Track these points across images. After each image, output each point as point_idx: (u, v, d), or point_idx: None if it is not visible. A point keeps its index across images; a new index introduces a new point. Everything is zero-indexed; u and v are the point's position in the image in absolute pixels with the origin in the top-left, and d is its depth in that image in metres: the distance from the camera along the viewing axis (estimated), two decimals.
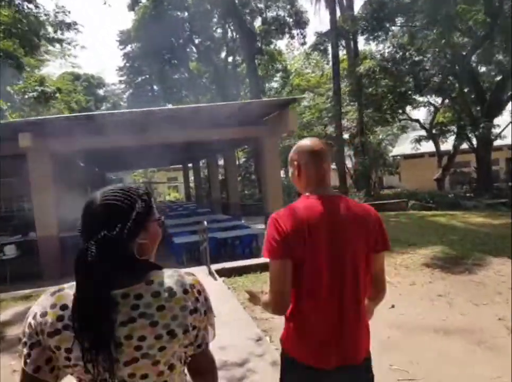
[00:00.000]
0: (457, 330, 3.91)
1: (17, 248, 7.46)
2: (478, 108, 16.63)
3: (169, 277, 0.99)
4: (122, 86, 35.20)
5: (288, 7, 24.57)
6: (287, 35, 25.16)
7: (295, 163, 1.55)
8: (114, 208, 0.95)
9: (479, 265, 6.04)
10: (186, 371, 1.07)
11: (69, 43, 20.84)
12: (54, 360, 0.93)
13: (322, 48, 19.91)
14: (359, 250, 1.43)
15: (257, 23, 26.74)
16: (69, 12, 17.95)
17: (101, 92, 35.99)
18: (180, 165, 23.70)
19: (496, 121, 15.92)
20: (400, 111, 18.71)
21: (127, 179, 32.51)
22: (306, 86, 24.46)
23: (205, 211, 13.98)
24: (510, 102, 16.81)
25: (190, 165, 21.08)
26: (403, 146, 23.83)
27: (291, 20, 24.45)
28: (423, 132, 19.26)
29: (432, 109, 19.60)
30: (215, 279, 6.10)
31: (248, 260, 6.95)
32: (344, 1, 18.49)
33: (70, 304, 0.90)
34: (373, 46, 21.10)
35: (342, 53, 20.66)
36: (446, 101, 18.52)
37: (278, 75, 29.09)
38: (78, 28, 17.99)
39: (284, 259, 1.37)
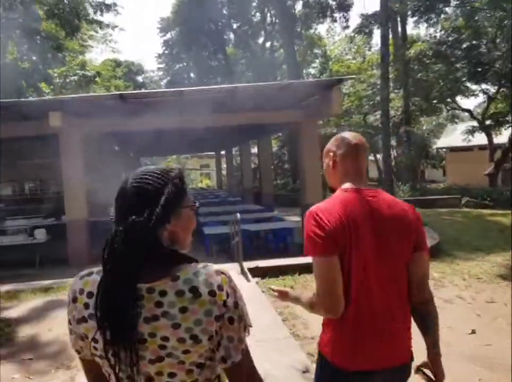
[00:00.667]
0: None
1: (48, 232, 7.32)
2: None
3: (196, 274, 0.88)
4: (160, 73, 35.53)
5: None
6: (329, 19, 24.09)
7: (331, 154, 1.50)
8: (142, 191, 0.89)
9: None
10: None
11: (107, 25, 20.82)
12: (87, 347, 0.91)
13: (367, 30, 18.74)
14: (402, 248, 1.37)
15: (298, 6, 25.82)
16: None
17: (139, 78, 36.46)
18: (213, 153, 23.61)
19: None
20: (450, 99, 17.34)
21: (161, 164, 32.93)
22: (346, 73, 23.41)
23: (236, 200, 13.67)
24: None
25: (223, 152, 20.93)
26: (449, 138, 22.31)
27: (334, 3, 23.28)
28: (473, 124, 17.81)
29: (485, 98, 18.03)
30: (248, 280, 5.48)
31: (285, 259, 6.33)
32: None
33: (95, 292, 0.85)
34: (422, 30, 19.73)
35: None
36: (502, 89, 16.94)
37: (317, 60, 28.11)
38: (118, 10, 17.94)
39: (331, 256, 1.30)
